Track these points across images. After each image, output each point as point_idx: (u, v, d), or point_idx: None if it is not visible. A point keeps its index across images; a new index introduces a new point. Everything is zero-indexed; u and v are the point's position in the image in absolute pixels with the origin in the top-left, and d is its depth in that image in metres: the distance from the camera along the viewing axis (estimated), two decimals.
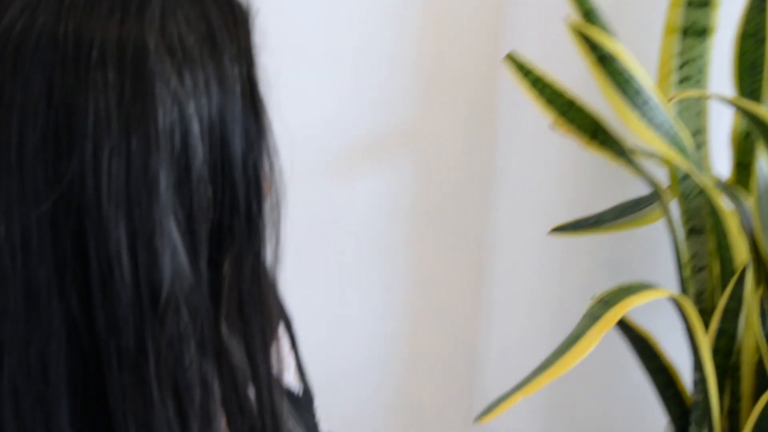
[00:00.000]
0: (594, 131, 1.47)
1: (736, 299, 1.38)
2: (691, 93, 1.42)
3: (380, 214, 1.77)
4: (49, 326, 0.76)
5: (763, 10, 1.37)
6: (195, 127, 0.80)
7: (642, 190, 1.57)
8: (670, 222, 1.43)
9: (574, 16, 1.41)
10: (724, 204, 1.37)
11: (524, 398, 1.36)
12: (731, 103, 1.32)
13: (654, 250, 1.67)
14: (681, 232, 1.46)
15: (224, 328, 0.84)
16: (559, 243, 1.68)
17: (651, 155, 1.53)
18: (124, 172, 0.80)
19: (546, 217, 1.65)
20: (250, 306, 0.84)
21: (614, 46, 1.33)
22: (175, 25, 0.79)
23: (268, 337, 0.86)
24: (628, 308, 1.23)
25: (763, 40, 1.39)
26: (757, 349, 1.40)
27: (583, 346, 1.17)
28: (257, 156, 0.81)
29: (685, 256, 1.46)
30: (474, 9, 1.70)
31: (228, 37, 0.80)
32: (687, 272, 1.46)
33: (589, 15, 1.41)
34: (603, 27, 1.40)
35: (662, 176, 1.48)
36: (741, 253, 1.38)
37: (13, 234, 0.77)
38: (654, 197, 1.52)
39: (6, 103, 0.79)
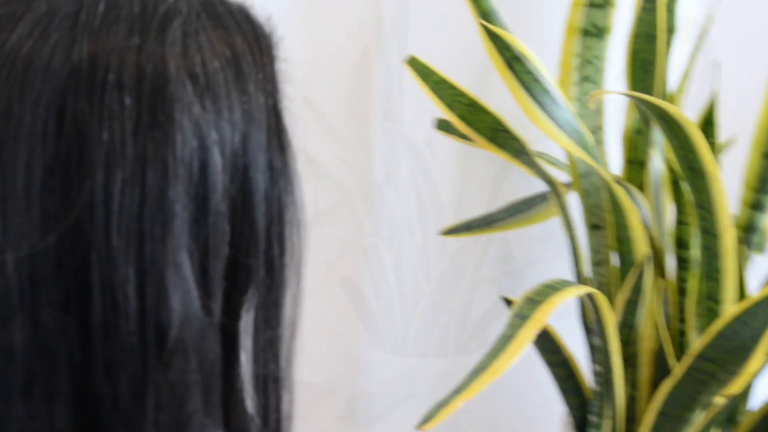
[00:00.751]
0: (494, 132, 1.49)
1: (636, 291, 1.43)
2: (616, 92, 1.48)
3: None
4: (53, 370, 0.71)
5: (653, 10, 1.41)
6: (216, 158, 0.73)
7: (531, 188, 1.65)
8: (567, 218, 1.47)
9: (474, 14, 1.44)
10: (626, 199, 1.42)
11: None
12: (634, 97, 1.37)
13: (549, 246, 1.74)
14: (581, 228, 1.51)
15: (235, 378, 0.78)
16: (447, 243, 1.75)
17: (545, 156, 1.58)
18: (137, 204, 0.73)
19: (433, 218, 1.73)
20: (265, 355, 0.78)
21: (523, 47, 1.36)
22: (198, 49, 0.72)
23: (282, 391, 0.80)
24: (556, 305, 1.26)
25: (653, 39, 1.43)
26: (656, 338, 1.46)
27: (517, 345, 1.20)
28: (281, 192, 0.75)
29: (586, 251, 1.51)
30: (354, 10, 1.75)
31: (253, 64, 0.74)
32: (588, 267, 1.51)
33: (487, 16, 1.44)
34: (503, 27, 1.44)
35: (558, 175, 1.53)
36: (640, 246, 1.44)
37: (22, 269, 0.71)
38: (548, 195, 1.55)
39: (13, 126, 0.71)
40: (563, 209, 1.46)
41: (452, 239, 1.63)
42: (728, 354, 1.36)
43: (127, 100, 0.72)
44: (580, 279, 1.50)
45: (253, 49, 0.75)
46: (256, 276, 0.75)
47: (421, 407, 1.31)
